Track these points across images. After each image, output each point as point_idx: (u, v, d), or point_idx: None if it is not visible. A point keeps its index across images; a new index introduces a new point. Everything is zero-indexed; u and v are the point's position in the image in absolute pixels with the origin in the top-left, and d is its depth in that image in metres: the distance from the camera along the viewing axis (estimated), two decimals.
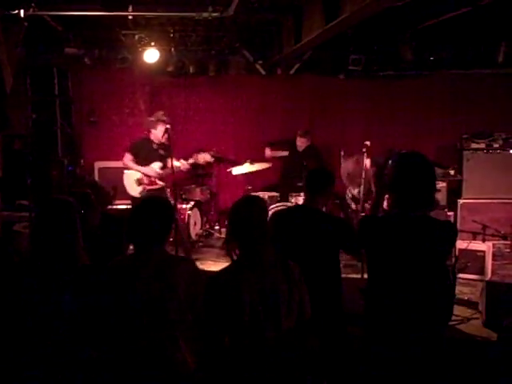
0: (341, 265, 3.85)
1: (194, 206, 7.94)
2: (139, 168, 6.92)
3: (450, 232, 2.92)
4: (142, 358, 2.68)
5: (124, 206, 7.63)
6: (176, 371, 2.69)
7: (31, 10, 5.90)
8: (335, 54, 8.43)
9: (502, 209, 7.63)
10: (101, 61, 8.47)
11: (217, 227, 8.77)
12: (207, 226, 8.61)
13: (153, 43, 7.89)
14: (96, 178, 7.99)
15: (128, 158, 6.92)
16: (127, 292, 2.73)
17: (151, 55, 7.96)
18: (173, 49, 8.28)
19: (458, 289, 5.94)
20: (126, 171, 6.99)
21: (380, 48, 8.14)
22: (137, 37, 7.89)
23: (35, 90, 8.26)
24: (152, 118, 7.00)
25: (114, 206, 7.23)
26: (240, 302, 2.60)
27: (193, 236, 7.90)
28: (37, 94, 8.28)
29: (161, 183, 7.03)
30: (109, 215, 4.32)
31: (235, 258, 2.74)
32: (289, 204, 7.53)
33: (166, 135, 6.70)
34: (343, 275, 3.92)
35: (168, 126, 6.62)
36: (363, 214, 6.43)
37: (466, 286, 6.15)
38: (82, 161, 8.55)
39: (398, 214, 2.86)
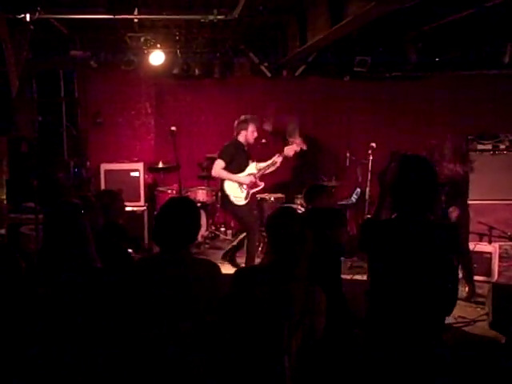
0: (347, 266, 3.86)
1: (199, 208, 7.94)
2: (233, 177, 6.57)
3: (452, 235, 2.91)
4: (159, 355, 2.69)
5: (130, 209, 7.65)
6: (193, 369, 2.71)
7: (37, 13, 5.92)
8: (340, 55, 8.42)
9: (509, 210, 7.59)
10: (106, 63, 8.49)
11: (222, 229, 8.78)
12: (213, 228, 8.63)
13: (158, 45, 7.90)
14: (102, 180, 7.99)
15: (220, 166, 6.53)
16: (149, 290, 2.74)
17: (157, 57, 7.97)
18: (178, 51, 8.28)
19: (464, 290, 5.95)
20: (226, 183, 6.64)
21: (385, 49, 8.13)
22: (142, 39, 7.89)
23: (41, 92, 8.30)
24: (242, 118, 6.80)
25: None
26: (247, 301, 2.66)
27: (199, 238, 7.91)
28: (43, 97, 8.32)
29: (262, 184, 6.78)
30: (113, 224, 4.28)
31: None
32: (294, 206, 7.54)
33: (255, 135, 6.64)
34: (349, 276, 3.93)
35: (173, 129, 6.64)
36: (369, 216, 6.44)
37: None
38: (88, 163, 8.57)
39: (399, 218, 2.86)
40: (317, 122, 9.17)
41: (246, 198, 6.60)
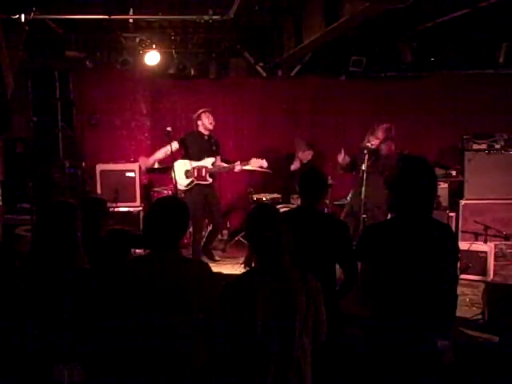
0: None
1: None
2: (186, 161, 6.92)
3: (452, 235, 2.94)
4: (152, 356, 2.69)
5: (125, 209, 7.66)
6: (186, 369, 2.71)
7: (32, 14, 5.91)
8: (336, 55, 8.43)
9: (504, 209, 7.62)
10: (102, 63, 8.46)
11: None
12: (209, 229, 8.60)
13: (154, 46, 7.91)
14: (98, 180, 7.97)
15: (174, 146, 6.80)
16: (140, 290, 2.75)
17: (152, 58, 7.96)
18: (174, 51, 8.28)
19: (459, 290, 5.95)
20: (177, 161, 6.87)
21: (381, 49, 8.15)
22: (138, 39, 7.90)
23: (36, 93, 8.27)
24: (199, 111, 7.06)
25: (116, 209, 7.24)
26: (253, 308, 2.63)
27: None
28: (38, 97, 8.30)
29: (210, 179, 6.99)
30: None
31: (253, 265, 2.78)
32: (290, 206, 7.56)
33: (213, 124, 6.92)
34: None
35: (169, 129, 6.65)
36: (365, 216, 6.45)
37: (468, 287, 6.14)
38: (83, 163, 8.55)
39: (398, 219, 2.89)
40: (312, 121, 9.17)
41: (186, 186, 6.90)
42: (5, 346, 2.77)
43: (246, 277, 2.78)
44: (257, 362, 2.63)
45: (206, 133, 7.00)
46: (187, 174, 6.93)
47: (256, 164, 6.95)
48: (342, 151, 6.71)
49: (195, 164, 6.92)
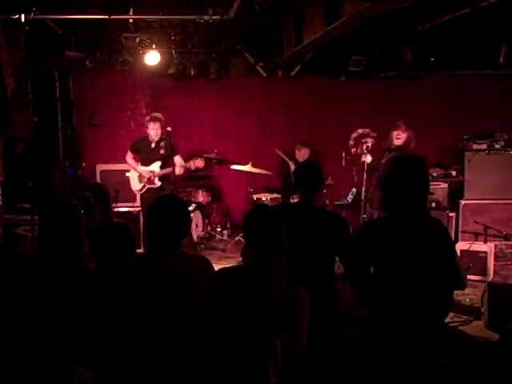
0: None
1: (195, 209, 7.95)
2: (136, 168, 7.18)
3: (445, 230, 2.95)
4: (153, 354, 2.70)
5: (126, 209, 7.66)
6: (186, 366, 2.71)
7: (32, 14, 5.90)
8: (336, 55, 8.43)
9: (504, 209, 7.63)
10: (102, 64, 8.47)
11: (218, 229, 8.78)
12: (209, 229, 8.62)
13: (154, 46, 7.91)
14: (98, 180, 7.98)
15: (128, 156, 7.27)
16: (141, 288, 2.76)
17: (152, 58, 7.97)
18: (174, 51, 8.28)
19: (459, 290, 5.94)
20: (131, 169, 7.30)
21: (381, 49, 8.14)
22: (138, 39, 7.91)
23: (36, 93, 8.27)
24: (147, 118, 7.16)
25: (116, 209, 7.23)
26: (229, 302, 2.65)
27: (195, 238, 7.92)
28: (38, 97, 8.29)
29: (158, 183, 7.09)
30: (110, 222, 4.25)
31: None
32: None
33: (158, 134, 6.96)
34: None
35: (169, 129, 6.65)
36: (365, 216, 6.45)
37: (468, 287, 6.13)
38: (83, 163, 8.55)
39: (390, 218, 2.90)
40: (312, 121, 9.17)
41: (139, 190, 7.22)
42: (8, 346, 2.77)
43: (239, 271, 2.80)
44: (232, 359, 2.63)
45: (152, 140, 7.08)
46: (139, 178, 7.19)
47: (193, 165, 7.18)
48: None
49: (145, 169, 7.13)
